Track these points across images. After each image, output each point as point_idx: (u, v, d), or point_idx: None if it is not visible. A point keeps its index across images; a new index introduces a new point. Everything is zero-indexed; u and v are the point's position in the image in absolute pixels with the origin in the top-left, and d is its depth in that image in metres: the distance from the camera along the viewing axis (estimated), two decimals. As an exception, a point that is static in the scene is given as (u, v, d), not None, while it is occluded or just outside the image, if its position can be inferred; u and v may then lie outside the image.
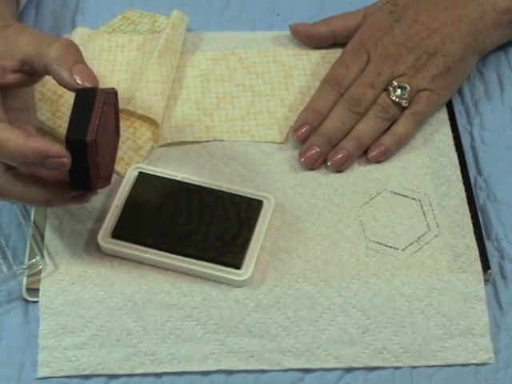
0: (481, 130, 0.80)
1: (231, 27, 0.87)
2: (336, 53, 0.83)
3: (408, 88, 0.77)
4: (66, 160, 0.61)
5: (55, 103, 0.77)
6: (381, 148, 0.76)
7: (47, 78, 0.77)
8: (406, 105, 0.77)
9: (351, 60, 0.79)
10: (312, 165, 0.76)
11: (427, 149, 0.78)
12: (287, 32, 0.85)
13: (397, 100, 0.76)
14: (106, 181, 0.67)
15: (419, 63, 0.78)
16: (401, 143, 0.77)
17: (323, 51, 0.84)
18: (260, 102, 0.81)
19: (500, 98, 0.82)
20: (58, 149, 0.61)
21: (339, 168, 0.76)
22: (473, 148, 0.79)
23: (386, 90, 0.77)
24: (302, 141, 0.77)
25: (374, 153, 0.76)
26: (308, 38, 0.84)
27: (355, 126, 0.77)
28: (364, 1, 0.84)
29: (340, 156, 0.76)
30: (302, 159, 0.76)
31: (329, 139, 0.76)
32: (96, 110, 0.62)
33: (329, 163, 0.76)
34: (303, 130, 0.77)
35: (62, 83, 0.64)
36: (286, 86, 0.82)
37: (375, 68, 0.78)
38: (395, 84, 0.77)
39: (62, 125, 0.76)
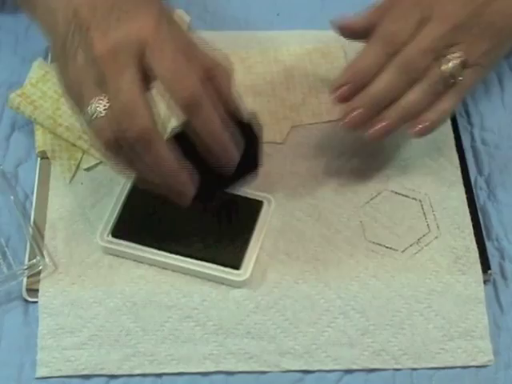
0: (481, 130, 0.80)
1: (231, 27, 0.87)
2: (338, 53, 0.83)
3: (462, 61, 0.70)
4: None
5: (56, 102, 0.77)
6: (425, 123, 0.71)
7: (48, 76, 0.78)
8: (460, 80, 0.70)
9: (405, 16, 0.71)
10: (355, 128, 0.70)
11: (428, 149, 0.78)
12: (288, 32, 0.85)
13: (450, 74, 0.70)
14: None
15: (477, 33, 0.71)
16: (445, 119, 0.73)
17: (325, 51, 0.84)
18: (261, 102, 0.80)
19: (500, 98, 0.82)
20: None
21: (378, 139, 0.71)
22: (473, 148, 0.79)
23: (439, 60, 0.70)
24: (342, 101, 0.71)
25: (418, 128, 0.71)
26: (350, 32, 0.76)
27: (404, 95, 0.70)
28: (364, 1, 0.83)
29: (384, 124, 0.70)
30: (345, 121, 0.70)
31: (377, 103, 0.70)
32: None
33: (369, 131, 0.70)
34: (344, 89, 0.71)
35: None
36: (287, 86, 0.82)
37: (433, 30, 0.70)
38: (451, 57, 0.70)
39: (62, 123, 0.76)
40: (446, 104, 0.71)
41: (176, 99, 0.62)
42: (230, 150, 0.64)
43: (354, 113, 0.70)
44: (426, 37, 0.70)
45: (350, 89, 0.70)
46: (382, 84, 0.70)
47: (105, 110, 0.61)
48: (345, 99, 0.71)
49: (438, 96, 0.71)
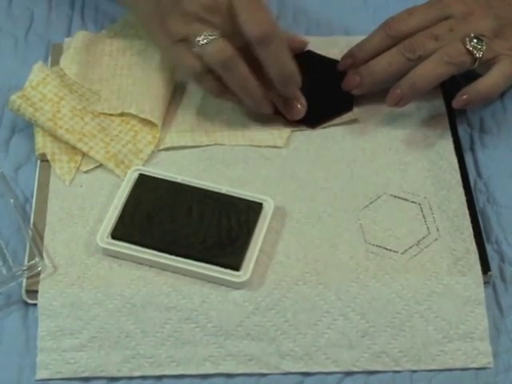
0: (480, 132, 0.80)
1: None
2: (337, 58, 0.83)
3: (485, 42, 0.75)
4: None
5: (56, 104, 0.77)
6: (462, 97, 0.76)
7: (49, 79, 0.78)
8: (480, 55, 0.75)
9: (420, 10, 0.78)
10: (351, 88, 0.80)
11: (427, 152, 0.78)
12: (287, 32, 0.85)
13: (471, 49, 0.75)
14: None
15: (499, 30, 0.76)
16: (485, 98, 0.77)
17: (323, 53, 0.84)
18: (261, 106, 0.81)
19: (500, 99, 0.82)
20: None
21: (395, 105, 0.78)
22: (472, 151, 0.79)
23: (461, 41, 0.75)
24: (344, 70, 0.81)
25: (456, 100, 0.77)
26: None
27: (414, 68, 0.76)
28: (363, 1, 0.84)
29: (394, 93, 0.77)
30: (345, 82, 0.80)
31: (371, 73, 0.78)
32: None
33: (386, 98, 0.78)
34: (345, 61, 0.81)
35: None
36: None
37: (450, 24, 0.76)
38: (473, 35, 0.75)
39: (62, 126, 0.76)
40: (487, 81, 0.76)
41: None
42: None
43: (353, 78, 0.79)
44: (438, 27, 0.76)
45: (348, 61, 0.81)
46: (380, 60, 0.78)
47: (214, 35, 0.72)
48: (346, 69, 0.81)
49: (456, 69, 0.76)
